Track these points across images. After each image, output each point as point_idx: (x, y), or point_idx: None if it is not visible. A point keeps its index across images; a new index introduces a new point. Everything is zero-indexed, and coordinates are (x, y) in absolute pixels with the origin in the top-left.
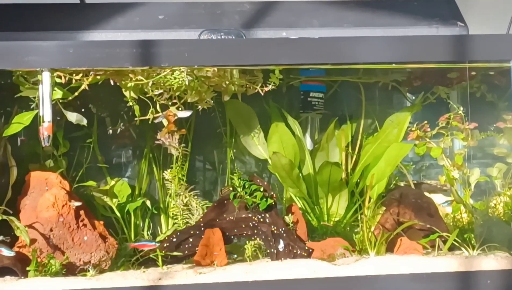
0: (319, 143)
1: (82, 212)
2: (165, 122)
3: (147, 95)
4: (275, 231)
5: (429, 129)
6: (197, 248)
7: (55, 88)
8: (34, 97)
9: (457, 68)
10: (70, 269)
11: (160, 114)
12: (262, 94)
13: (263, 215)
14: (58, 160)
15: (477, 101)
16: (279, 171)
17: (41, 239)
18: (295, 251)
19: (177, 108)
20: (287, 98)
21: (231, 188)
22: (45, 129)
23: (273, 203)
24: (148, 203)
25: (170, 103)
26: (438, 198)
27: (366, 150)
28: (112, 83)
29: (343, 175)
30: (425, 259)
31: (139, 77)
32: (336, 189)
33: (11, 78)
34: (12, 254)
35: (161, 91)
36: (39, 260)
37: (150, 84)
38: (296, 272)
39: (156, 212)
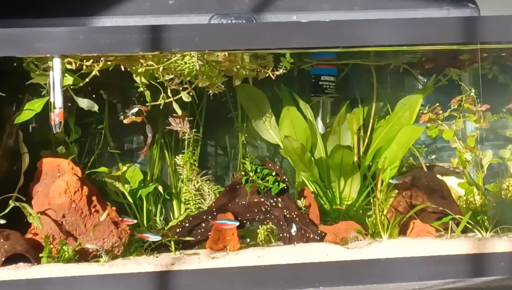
0: (331, 127)
1: (94, 198)
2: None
3: (158, 81)
4: (288, 215)
5: (441, 112)
6: (209, 233)
7: (66, 74)
8: (45, 84)
9: (468, 50)
10: (83, 255)
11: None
12: (273, 78)
13: (275, 199)
14: (70, 147)
15: (489, 82)
16: (291, 155)
17: (54, 225)
18: (307, 235)
19: (188, 93)
20: (298, 82)
21: (243, 173)
22: (56, 116)
23: (285, 187)
24: (160, 188)
25: (181, 88)
26: (451, 181)
27: (378, 133)
28: (122, 68)
29: (355, 158)
30: (438, 242)
31: (150, 63)
32: (348, 173)
33: (21, 65)
34: (158, 238)
35: (172, 76)
36: (51, 246)
37: (160, 69)
38: (309, 256)
39: (168, 197)
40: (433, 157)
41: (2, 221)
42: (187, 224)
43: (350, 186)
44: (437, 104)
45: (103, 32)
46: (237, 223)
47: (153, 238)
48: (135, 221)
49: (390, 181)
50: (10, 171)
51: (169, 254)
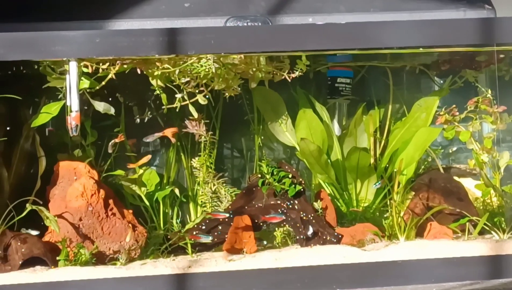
0: (347, 129)
1: (111, 201)
2: None
3: (174, 83)
4: (304, 218)
5: (457, 113)
6: (226, 236)
7: (82, 78)
8: (62, 87)
9: (485, 51)
10: (99, 258)
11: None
12: (289, 80)
13: (292, 201)
14: (86, 150)
15: (505, 84)
16: (307, 157)
17: (71, 228)
18: (324, 237)
19: (204, 96)
20: (314, 84)
21: (259, 175)
22: (73, 119)
23: (302, 190)
24: (176, 191)
25: (197, 91)
26: (467, 182)
27: (394, 135)
28: (139, 71)
29: (372, 160)
30: (455, 244)
31: (166, 66)
32: (365, 175)
33: (38, 68)
34: (209, 239)
35: (188, 79)
36: (68, 249)
37: (177, 72)
38: (326, 258)
39: (184, 200)
40: (450, 158)
41: (35, 233)
42: (203, 227)
43: (366, 188)
44: (454, 105)
45: (119, 35)
46: (283, 217)
47: (204, 239)
48: (227, 215)
49: (373, 186)
50: (27, 174)
51: (186, 257)
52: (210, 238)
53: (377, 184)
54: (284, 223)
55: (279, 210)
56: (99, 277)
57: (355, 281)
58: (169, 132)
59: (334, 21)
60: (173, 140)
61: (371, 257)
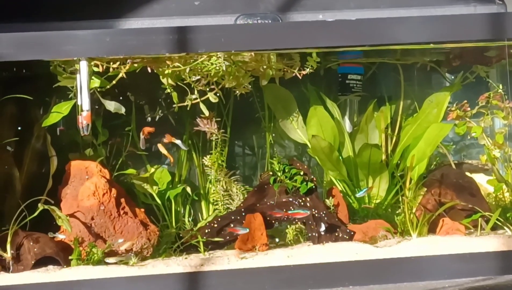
0: (358, 125)
1: (123, 200)
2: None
3: (185, 82)
4: (316, 215)
5: (469, 109)
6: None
7: (93, 77)
8: (72, 87)
9: (496, 46)
10: (112, 257)
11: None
12: (300, 77)
13: (303, 199)
14: (98, 149)
15: None
16: (319, 154)
17: (83, 228)
18: (336, 234)
19: (215, 94)
20: (325, 81)
21: (271, 173)
22: (84, 118)
23: (314, 187)
24: (188, 189)
25: (208, 89)
26: (479, 178)
27: (406, 131)
28: (149, 70)
29: (383, 156)
30: (468, 240)
31: (176, 64)
32: (377, 171)
33: (49, 68)
34: (246, 231)
35: (198, 77)
36: (81, 249)
37: (187, 70)
38: (338, 255)
39: (196, 198)
40: (462, 154)
41: (62, 236)
42: (215, 225)
43: (378, 185)
44: (465, 101)
45: (130, 34)
46: (308, 212)
47: (242, 231)
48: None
49: (357, 195)
50: (39, 174)
51: (198, 255)
52: (248, 230)
53: (361, 192)
54: (296, 220)
55: (290, 207)
56: (112, 276)
57: (367, 278)
58: (145, 130)
59: (344, 17)
60: (142, 144)
61: (384, 253)
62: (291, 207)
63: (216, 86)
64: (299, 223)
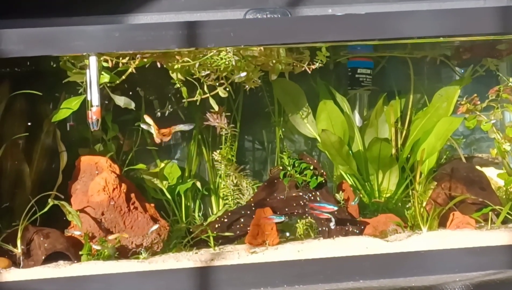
0: (368, 120)
1: (133, 195)
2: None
3: (194, 77)
4: None
5: (479, 102)
6: (248, 228)
7: (102, 72)
8: (82, 82)
9: (506, 40)
10: (122, 252)
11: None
12: (310, 72)
13: (313, 193)
14: (108, 144)
15: None
16: (329, 148)
17: (93, 223)
18: (347, 228)
19: (224, 89)
20: (334, 75)
21: (280, 167)
22: (94, 114)
23: (323, 181)
24: (198, 184)
25: (217, 84)
26: (490, 171)
27: (416, 125)
28: (159, 65)
29: (393, 151)
30: (478, 233)
31: (186, 59)
32: (387, 165)
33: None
34: (282, 219)
35: (208, 72)
36: (91, 244)
37: (197, 65)
38: (349, 250)
39: (206, 193)
40: (472, 148)
41: (78, 233)
42: (225, 220)
43: (388, 179)
44: (475, 94)
45: (139, 29)
46: (336, 207)
47: (277, 219)
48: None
49: (352, 203)
50: (49, 169)
51: (208, 250)
52: (283, 218)
53: (355, 200)
54: (307, 214)
55: (300, 202)
56: (122, 271)
57: (378, 272)
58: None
59: (353, 11)
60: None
61: (394, 248)
62: (296, 202)
63: (226, 81)
64: (309, 217)
